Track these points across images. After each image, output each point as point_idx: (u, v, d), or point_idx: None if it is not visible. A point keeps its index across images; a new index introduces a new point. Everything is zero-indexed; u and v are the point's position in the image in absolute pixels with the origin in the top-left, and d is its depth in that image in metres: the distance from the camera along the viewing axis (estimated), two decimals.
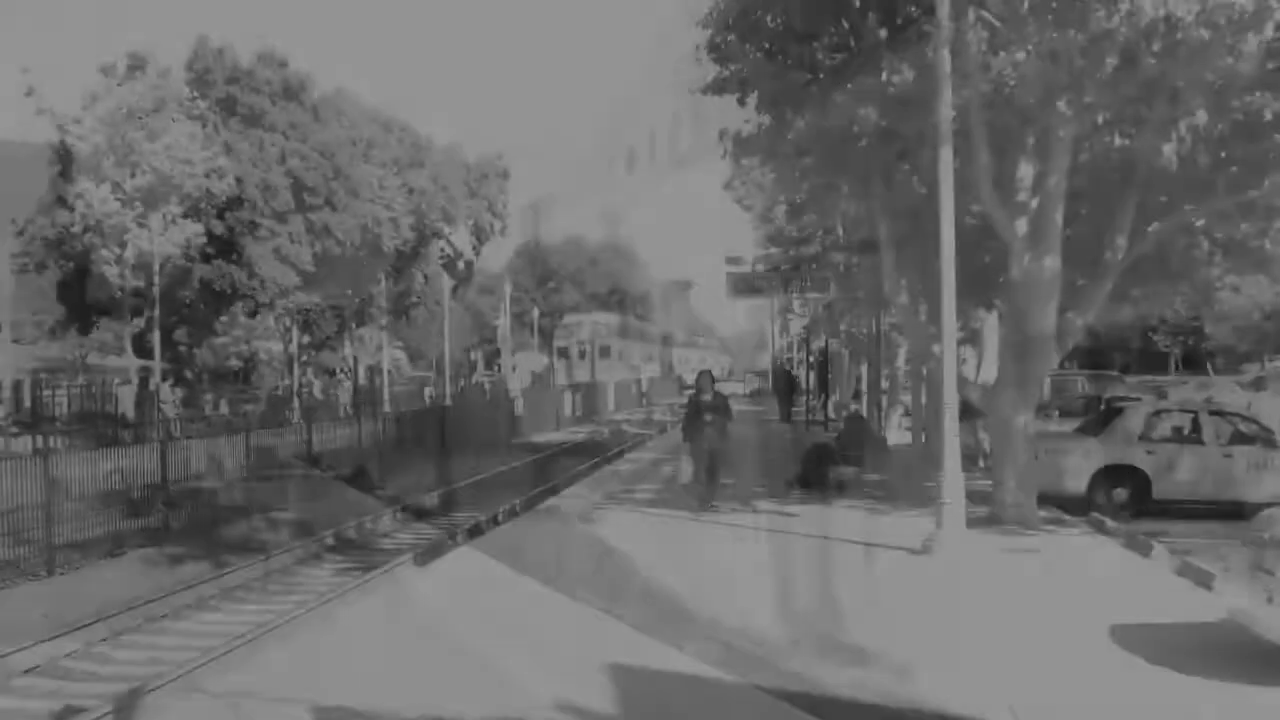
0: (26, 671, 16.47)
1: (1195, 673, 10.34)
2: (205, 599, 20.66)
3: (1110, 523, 19.78)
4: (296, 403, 66.98)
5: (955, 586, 14.54)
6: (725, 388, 24.38)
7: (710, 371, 24.47)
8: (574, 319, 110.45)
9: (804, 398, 57.13)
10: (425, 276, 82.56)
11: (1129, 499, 22.49)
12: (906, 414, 41.34)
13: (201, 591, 20.97)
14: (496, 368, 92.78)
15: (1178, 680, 10.22)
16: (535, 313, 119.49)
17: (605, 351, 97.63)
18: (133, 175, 49.84)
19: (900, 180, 23.48)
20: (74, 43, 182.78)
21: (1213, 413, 24.06)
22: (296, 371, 75.47)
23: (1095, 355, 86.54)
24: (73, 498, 24.21)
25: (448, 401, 63.73)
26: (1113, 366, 79.65)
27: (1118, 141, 19.38)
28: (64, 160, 51.89)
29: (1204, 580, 14.03)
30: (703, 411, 22.25)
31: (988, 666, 10.66)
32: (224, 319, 72.44)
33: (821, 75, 19.99)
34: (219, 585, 21.55)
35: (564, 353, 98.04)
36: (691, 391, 23.83)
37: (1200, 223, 21.78)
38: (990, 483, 20.45)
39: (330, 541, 26.20)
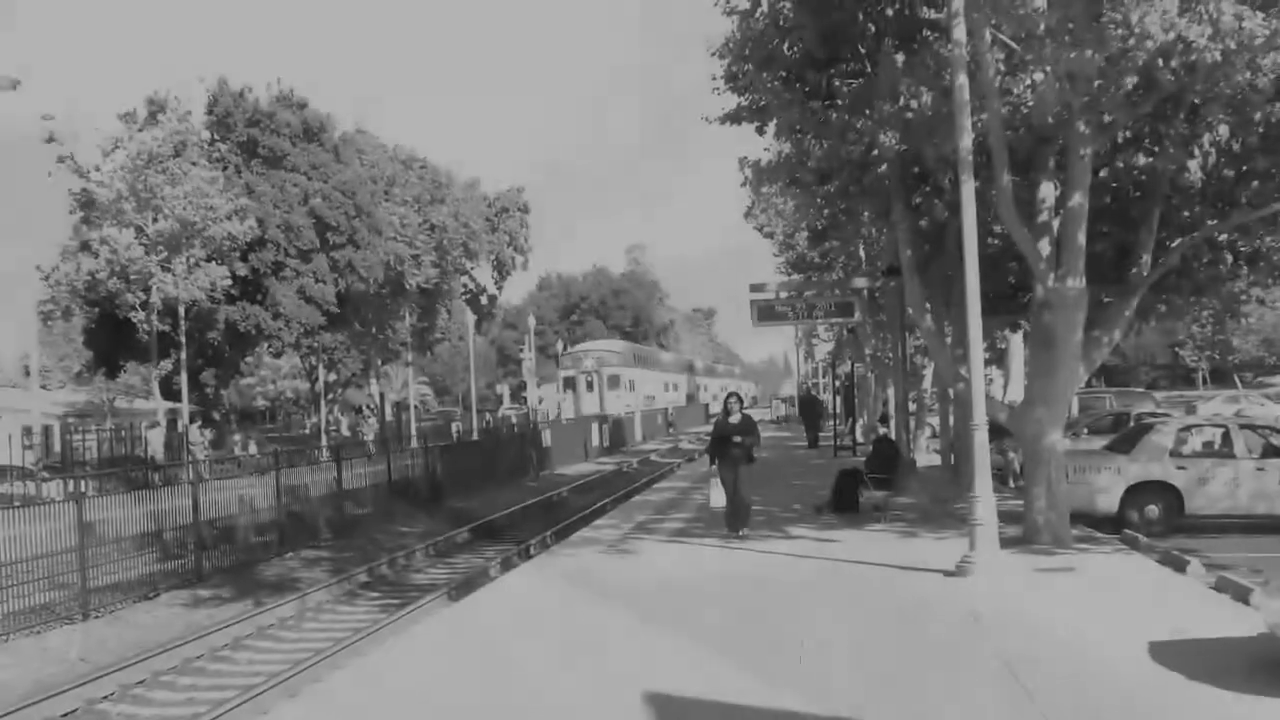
0: (64, 716, 16.57)
1: (1235, 688, 10.28)
2: (240, 639, 20.71)
3: (1144, 539, 19.67)
4: (324, 440, 67.18)
5: (991, 608, 14.48)
6: (751, 414, 23.76)
7: (738, 394, 23.68)
8: (580, 347, 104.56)
9: (831, 422, 57.12)
10: (449, 312, 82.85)
11: (1161, 515, 22.37)
12: (934, 435, 41.29)
13: (236, 631, 21.03)
14: (522, 400, 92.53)
15: (1218, 696, 10.16)
16: (560, 345, 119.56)
17: (614, 381, 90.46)
18: (155, 220, 50.13)
19: (921, 203, 23.52)
20: (93, 88, 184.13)
21: (1243, 426, 23.89)
22: (323, 409, 75.76)
23: (1122, 372, 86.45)
24: (106, 541, 24.34)
25: (475, 435, 63.78)
26: (1140, 382, 79.53)
27: (1141, 160, 19.42)
28: (86, 207, 52.20)
29: (1241, 595, 13.96)
30: (730, 434, 21.66)
31: (1028, 688, 10.62)
32: (249, 359, 72.68)
33: (840, 102, 20.06)
34: (253, 624, 21.62)
35: (570, 383, 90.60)
36: (718, 415, 23.07)
37: (1224, 237, 21.78)
38: (1021, 503, 20.37)
39: (364, 579, 26.26)
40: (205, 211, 50.53)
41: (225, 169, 58.51)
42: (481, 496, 41.43)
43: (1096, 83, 16.49)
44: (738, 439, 21.52)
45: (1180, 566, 16.96)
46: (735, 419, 21.81)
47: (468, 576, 25.50)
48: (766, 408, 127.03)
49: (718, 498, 21.67)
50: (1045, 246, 19.02)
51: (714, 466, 22.01)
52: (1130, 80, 16.10)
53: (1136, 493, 22.54)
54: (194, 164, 51.78)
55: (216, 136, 62.89)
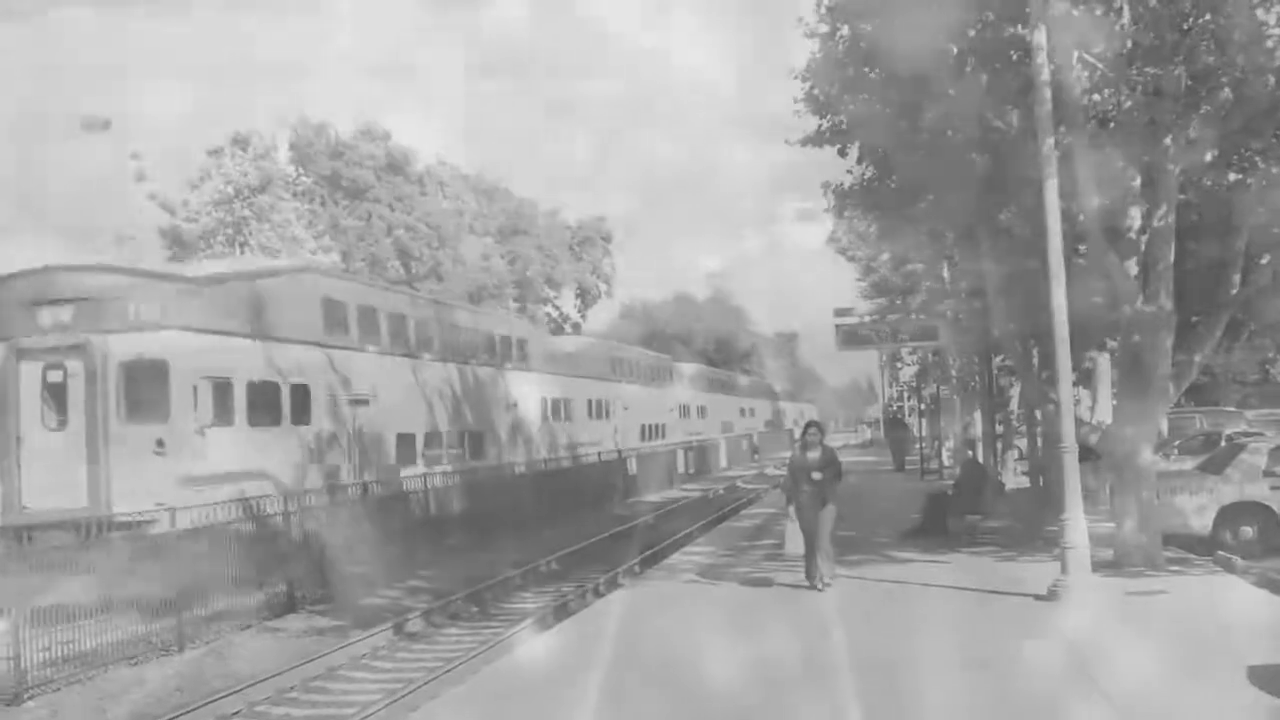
0: None
1: None
2: (334, 669, 20.83)
3: (1239, 561, 19.41)
4: None
5: (1086, 632, 14.36)
6: (836, 439, 22.71)
7: (819, 423, 20.37)
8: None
9: (917, 445, 56.77)
10: None
11: (1256, 536, 22.01)
12: (1021, 457, 40.93)
13: (330, 661, 21.14)
14: None
15: None
16: None
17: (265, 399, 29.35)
18: (242, 251, 50.89)
19: (1005, 224, 23.36)
20: (179, 127, 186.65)
21: None
22: None
23: (1211, 390, 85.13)
24: (201, 572, 24.55)
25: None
26: (1229, 401, 78.31)
27: (1231, 178, 19.19)
28: (175, 244, 52.98)
29: None
30: (808, 469, 18.91)
31: (1128, 714, 10.53)
32: None
33: (923, 124, 20.00)
34: (347, 654, 21.71)
35: (55, 396, 26.03)
36: (797, 446, 20.48)
37: None
38: (1112, 525, 20.14)
39: (455, 606, 26.33)
40: (290, 243, 51.26)
41: (309, 202, 59.23)
42: (571, 523, 41.44)
43: (1184, 100, 16.39)
44: (816, 475, 18.83)
45: (1277, 589, 16.73)
46: (815, 454, 19.05)
47: (558, 605, 25.55)
48: (852, 431, 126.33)
49: (794, 544, 19.53)
50: (1132, 267, 18.86)
51: (790, 508, 19.53)
52: (1223, 96, 15.96)
53: (1230, 514, 22.22)
54: (281, 199, 52.57)
55: (300, 171, 63.66)
